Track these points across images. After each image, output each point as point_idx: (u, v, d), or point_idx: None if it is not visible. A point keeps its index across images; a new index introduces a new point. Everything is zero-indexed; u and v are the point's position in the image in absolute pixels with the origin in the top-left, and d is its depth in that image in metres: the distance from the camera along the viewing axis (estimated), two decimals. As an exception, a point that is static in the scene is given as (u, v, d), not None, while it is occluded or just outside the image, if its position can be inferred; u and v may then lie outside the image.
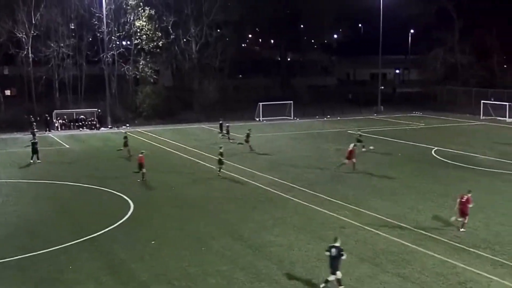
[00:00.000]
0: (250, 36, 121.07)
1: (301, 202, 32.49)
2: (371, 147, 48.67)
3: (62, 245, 25.57)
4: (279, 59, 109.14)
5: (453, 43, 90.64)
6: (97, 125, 65.95)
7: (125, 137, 47.65)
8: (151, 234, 27.13)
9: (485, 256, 23.90)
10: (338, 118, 72.60)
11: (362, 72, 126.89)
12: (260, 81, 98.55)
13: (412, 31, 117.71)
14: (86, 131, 64.07)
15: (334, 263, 20.69)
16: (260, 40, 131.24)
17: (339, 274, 20.64)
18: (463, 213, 27.04)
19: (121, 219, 29.55)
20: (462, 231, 26.89)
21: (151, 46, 72.22)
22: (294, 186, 36.23)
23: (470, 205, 27.08)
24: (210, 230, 27.70)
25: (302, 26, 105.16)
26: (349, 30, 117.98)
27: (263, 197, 33.75)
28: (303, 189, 35.40)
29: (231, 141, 53.17)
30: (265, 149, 50.12)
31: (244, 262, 23.64)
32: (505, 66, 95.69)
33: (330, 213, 30.15)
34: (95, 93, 73.05)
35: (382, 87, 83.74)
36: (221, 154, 39.37)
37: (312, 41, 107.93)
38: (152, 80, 73.69)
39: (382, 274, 22.21)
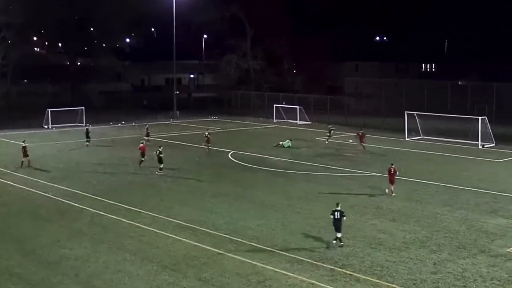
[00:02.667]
0: (35, 39, 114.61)
1: (97, 212, 31.11)
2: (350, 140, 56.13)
3: None
4: (68, 64, 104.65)
5: (245, 49, 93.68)
6: None
7: (24, 147, 42.57)
8: None
9: (282, 254, 24.54)
10: (134, 124, 71.30)
11: (157, 77, 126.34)
12: (48, 87, 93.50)
13: (205, 36, 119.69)
14: None
15: (337, 224, 25.24)
16: (47, 44, 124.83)
17: (339, 234, 25.26)
18: (391, 181, 34.15)
19: None
20: (393, 195, 33.90)
21: None
22: (89, 195, 34.62)
23: (397, 174, 34.43)
24: (-4, 248, 25.31)
25: (92, 30, 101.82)
26: (142, 34, 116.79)
27: (55, 209, 31.80)
28: (99, 198, 33.98)
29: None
30: (56, 158, 47.41)
31: (37, 279, 22.05)
32: (294, 71, 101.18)
33: (129, 222, 29.20)
34: None
35: (178, 92, 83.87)
36: (160, 152, 40.46)
37: (104, 45, 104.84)
38: None
39: (183, 280, 21.87)
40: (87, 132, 53.84)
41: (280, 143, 52.69)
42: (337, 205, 25.64)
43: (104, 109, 77.81)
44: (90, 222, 29.28)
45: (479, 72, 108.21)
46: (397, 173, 34.63)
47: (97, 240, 26.55)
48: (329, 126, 58.04)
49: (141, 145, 43.42)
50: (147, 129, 56.04)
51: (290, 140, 53.42)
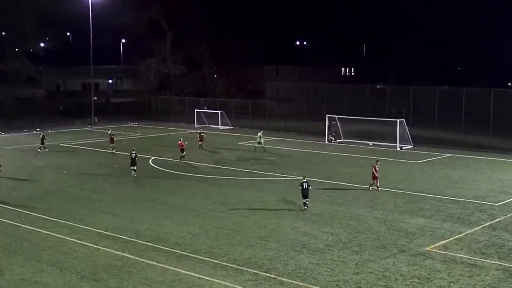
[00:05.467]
0: None
1: (12, 222, 29.83)
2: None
3: None
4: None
5: (165, 54, 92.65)
6: None
7: None
8: None
9: (206, 260, 24.21)
10: (49, 130, 69.09)
11: (74, 82, 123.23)
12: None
13: (123, 40, 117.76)
14: None
15: (305, 192, 31.39)
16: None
17: (307, 200, 31.49)
18: (374, 177, 36.61)
19: None
20: (373, 189, 36.57)
21: None
22: (2, 205, 33.18)
23: (377, 170, 36.62)
24: None
25: (4, 33, 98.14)
26: (57, 38, 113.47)
27: (-35, 220, 30.19)
28: (13, 208, 32.62)
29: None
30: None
31: None
32: (215, 75, 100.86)
33: (46, 232, 28.13)
34: None
35: (95, 98, 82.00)
36: (135, 155, 41.90)
37: (16, 49, 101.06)
38: None
39: (105, 291, 21.17)
40: (43, 138, 52.61)
41: (257, 143, 53.14)
42: (304, 178, 31.88)
43: (17, 116, 75.02)
44: (4, 233, 28.00)
45: (397, 76, 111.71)
46: (377, 170, 36.70)
47: (12, 251, 25.39)
48: (333, 123, 60.46)
49: (180, 142, 47.45)
50: (110, 134, 54.46)
51: (260, 132, 54.84)
